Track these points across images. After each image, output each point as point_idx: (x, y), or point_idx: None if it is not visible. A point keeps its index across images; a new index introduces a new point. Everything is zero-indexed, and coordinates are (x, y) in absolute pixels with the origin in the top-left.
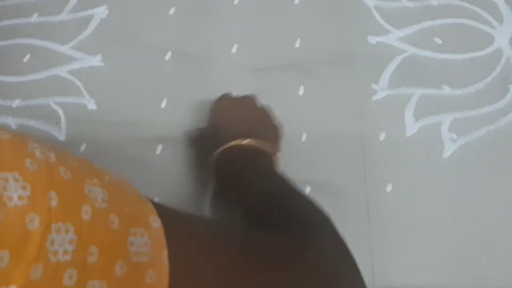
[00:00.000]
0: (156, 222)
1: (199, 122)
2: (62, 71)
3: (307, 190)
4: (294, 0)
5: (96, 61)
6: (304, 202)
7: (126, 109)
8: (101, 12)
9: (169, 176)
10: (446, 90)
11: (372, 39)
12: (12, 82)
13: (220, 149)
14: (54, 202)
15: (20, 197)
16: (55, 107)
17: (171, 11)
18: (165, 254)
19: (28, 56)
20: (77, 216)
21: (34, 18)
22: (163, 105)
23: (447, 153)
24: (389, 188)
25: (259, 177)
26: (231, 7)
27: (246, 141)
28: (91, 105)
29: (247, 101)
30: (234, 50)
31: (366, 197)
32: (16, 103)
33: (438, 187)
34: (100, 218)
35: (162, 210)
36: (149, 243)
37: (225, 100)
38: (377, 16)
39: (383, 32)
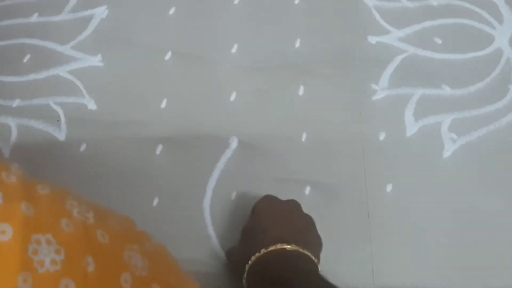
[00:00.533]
0: None
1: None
2: (62, 71)
3: (307, 190)
4: (294, 0)
5: (96, 61)
6: None
7: (126, 109)
8: (101, 12)
9: (169, 176)
10: (446, 90)
11: (372, 39)
12: (12, 82)
13: (263, 251)
14: (91, 268)
15: (53, 262)
16: (55, 107)
17: (171, 11)
18: None
19: (28, 56)
20: (116, 284)
21: (34, 18)
22: (163, 105)
23: (447, 153)
24: (389, 188)
25: (305, 280)
26: (231, 7)
27: (290, 247)
28: (91, 105)
29: (292, 206)
30: (234, 50)
31: (366, 197)
32: (16, 103)
33: (438, 187)
34: (141, 287)
35: None
36: None
37: (269, 202)
38: (377, 16)
39: (383, 32)
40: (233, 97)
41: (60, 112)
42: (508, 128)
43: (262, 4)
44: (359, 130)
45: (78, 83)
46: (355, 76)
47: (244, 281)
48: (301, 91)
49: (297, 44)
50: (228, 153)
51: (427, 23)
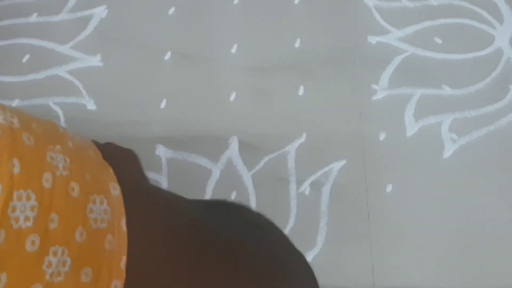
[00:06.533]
0: (115, 190)
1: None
2: (61, 71)
3: (307, 190)
4: (294, 0)
5: (95, 61)
6: None
7: (126, 109)
8: (100, 12)
9: (170, 176)
10: (446, 90)
11: (372, 39)
12: (12, 82)
13: None
14: (16, 169)
15: None
16: (54, 107)
17: (171, 11)
18: (123, 221)
19: (27, 56)
20: (39, 184)
21: (34, 18)
22: (162, 105)
23: (447, 153)
24: (389, 188)
25: None
26: (231, 7)
27: None
28: (91, 105)
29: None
30: (234, 50)
31: (366, 197)
32: (15, 103)
33: (438, 187)
34: (61, 186)
35: (122, 178)
36: (108, 210)
37: None
38: (377, 16)
39: (383, 32)
40: (233, 97)
41: (60, 112)
42: (509, 128)
43: (262, 4)
44: (359, 130)
45: (77, 83)
46: (355, 76)
47: None
48: (301, 91)
49: (297, 44)
50: (228, 153)
51: (427, 23)
